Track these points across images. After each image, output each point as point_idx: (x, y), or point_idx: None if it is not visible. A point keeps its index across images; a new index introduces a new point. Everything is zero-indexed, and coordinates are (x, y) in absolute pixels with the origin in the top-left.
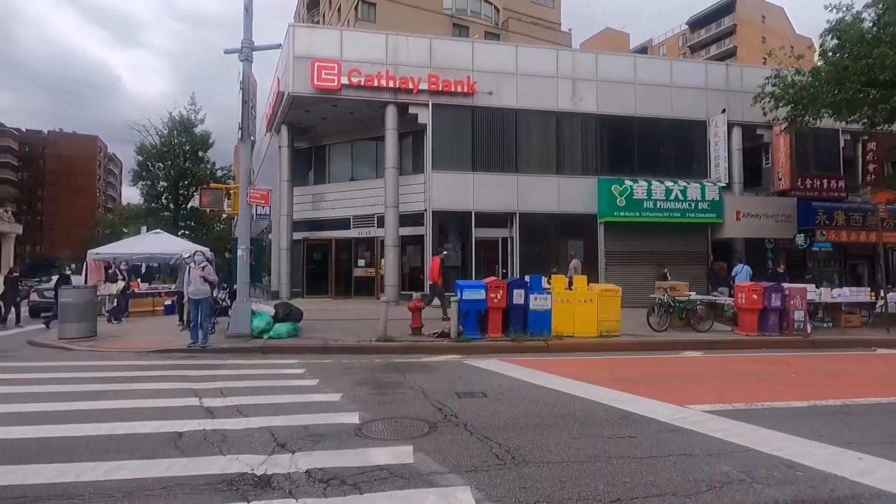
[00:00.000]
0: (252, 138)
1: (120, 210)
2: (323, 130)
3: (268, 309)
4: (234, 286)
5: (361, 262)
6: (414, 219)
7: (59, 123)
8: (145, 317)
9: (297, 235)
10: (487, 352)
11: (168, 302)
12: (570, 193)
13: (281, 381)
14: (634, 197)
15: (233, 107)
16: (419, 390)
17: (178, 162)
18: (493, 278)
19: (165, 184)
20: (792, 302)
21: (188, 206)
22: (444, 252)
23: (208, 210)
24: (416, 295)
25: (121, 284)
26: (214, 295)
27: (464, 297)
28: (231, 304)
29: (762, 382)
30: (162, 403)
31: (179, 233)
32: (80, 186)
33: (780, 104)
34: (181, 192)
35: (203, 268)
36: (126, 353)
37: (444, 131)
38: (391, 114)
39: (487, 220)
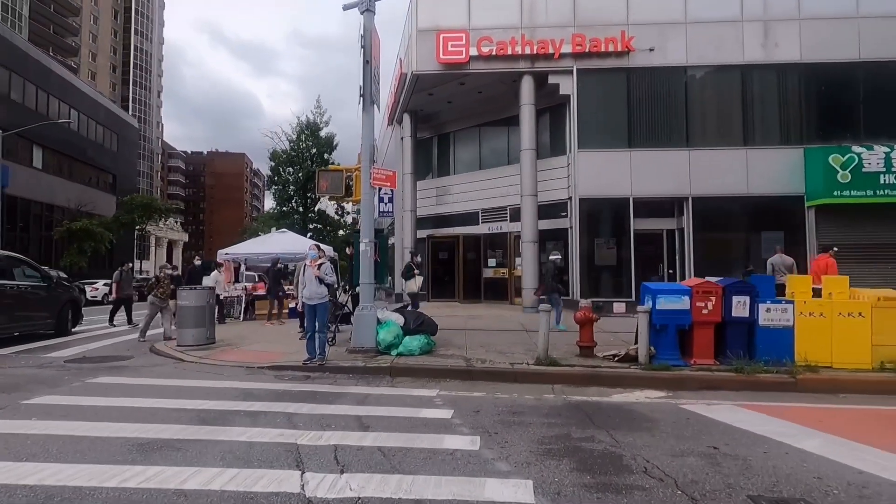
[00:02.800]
0: (374, 106)
1: (260, 218)
2: (447, 116)
3: (396, 317)
4: (357, 288)
5: (492, 262)
6: (554, 209)
7: (215, 146)
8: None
9: (421, 233)
10: (700, 387)
11: (292, 304)
12: (764, 169)
13: (424, 438)
14: (864, 170)
15: (352, 122)
16: (667, 481)
17: (306, 165)
18: (699, 280)
19: (294, 187)
20: None
21: (315, 209)
22: (835, 249)
23: (327, 196)
24: (583, 302)
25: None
26: (334, 299)
27: (658, 307)
28: (353, 309)
29: None
30: (246, 480)
31: (307, 235)
32: (231, 198)
33: None
34: (308, 195)
35: (319, 266)
36: (235, 369)
37: (593, 102)
38: (527, 86)
39: (649, 207)
